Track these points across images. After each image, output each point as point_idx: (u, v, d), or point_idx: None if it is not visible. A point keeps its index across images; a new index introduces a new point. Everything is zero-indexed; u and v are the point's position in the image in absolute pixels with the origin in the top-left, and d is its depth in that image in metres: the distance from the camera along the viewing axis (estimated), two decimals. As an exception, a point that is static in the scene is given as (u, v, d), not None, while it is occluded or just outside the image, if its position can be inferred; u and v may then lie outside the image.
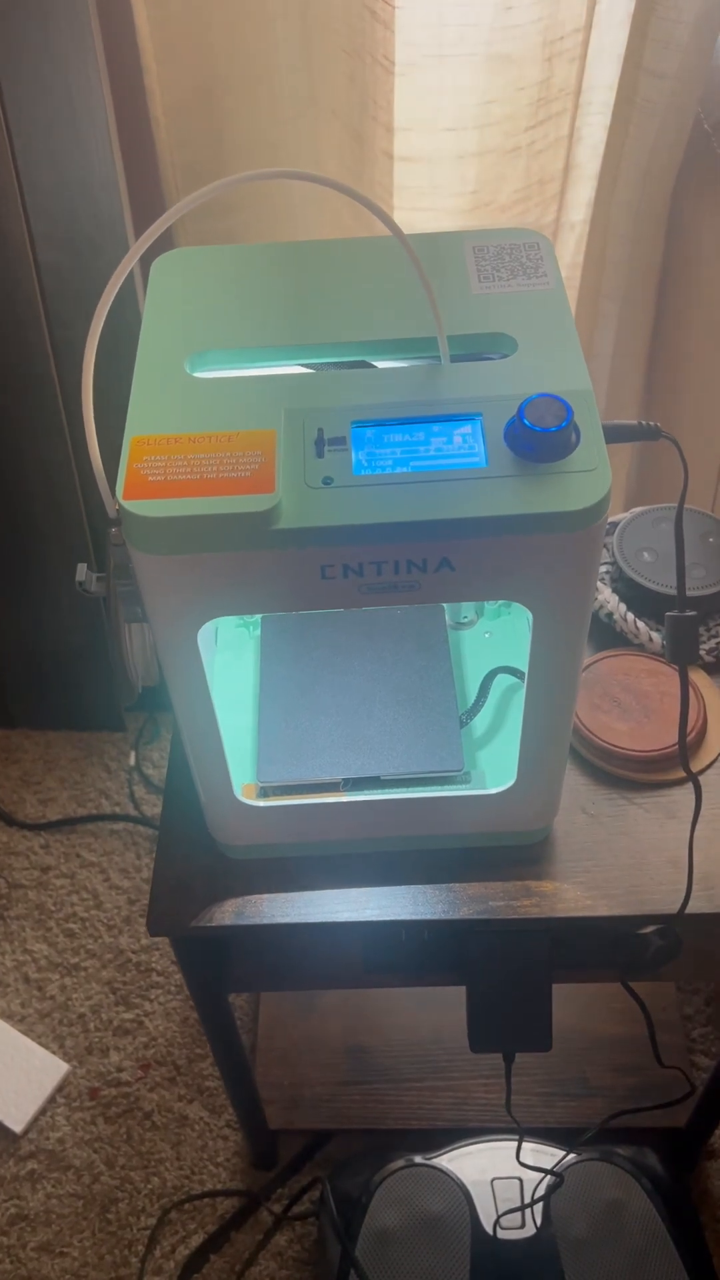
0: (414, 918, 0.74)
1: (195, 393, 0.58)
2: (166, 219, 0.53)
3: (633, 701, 0.81)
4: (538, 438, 0.54)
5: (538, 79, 0.99)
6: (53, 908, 1.34)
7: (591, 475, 0.54)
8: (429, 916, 0.74)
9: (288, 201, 1.12)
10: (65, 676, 1.47)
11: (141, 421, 0.57)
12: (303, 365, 0.61)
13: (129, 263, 0.54)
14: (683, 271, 1.12)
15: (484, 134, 1.01)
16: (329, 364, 0.61)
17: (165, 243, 1.12)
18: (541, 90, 1.00)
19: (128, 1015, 1.25)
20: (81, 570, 0.65)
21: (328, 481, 0.54)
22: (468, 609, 0.84)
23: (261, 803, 0.73)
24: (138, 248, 0.53)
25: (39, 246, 1.08)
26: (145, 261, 1.14)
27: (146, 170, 1.09)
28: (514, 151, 1.03)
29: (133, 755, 1.48)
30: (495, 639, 0.83)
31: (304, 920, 0.74)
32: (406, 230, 0.58)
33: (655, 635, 0.84)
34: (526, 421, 0.54)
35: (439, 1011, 1.18)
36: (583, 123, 1.07)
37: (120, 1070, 1.21)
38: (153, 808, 1.43)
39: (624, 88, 1.02)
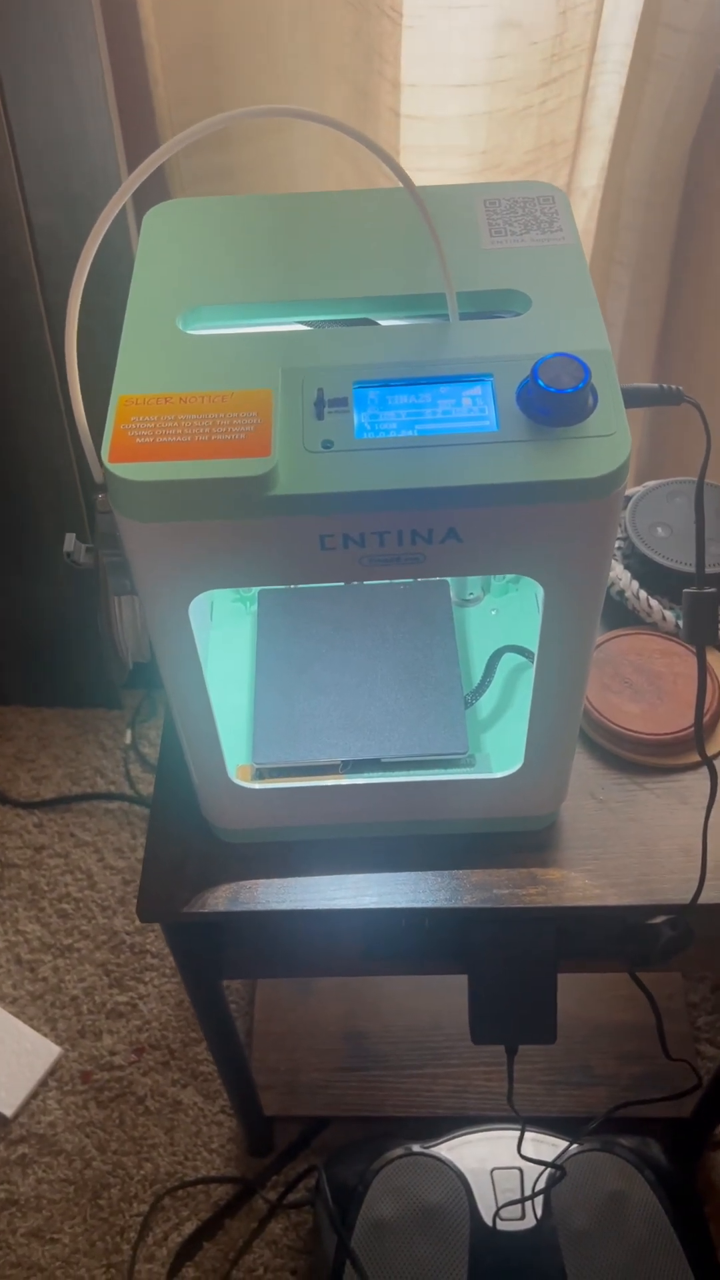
0: (415, 905, 0.71)
1: (187, 350, 0.55)
2: (160, 155, 0.50)
3: (645, 683, 0.78)
4: (553, 399, 0.51)
5: (551, 34, 0.95)
6: (46, 888, 1.32)
7: (610, 440, 0.51)
8: (430, 905, 0.71)
9: (288, 161, 1.08)
10: (60, 652, 1.44)
11: (130, 380, 0.53)
12: (302, 322, 0.58)
13: (120, 198, 0.50)
14: (699, 237, 1.08)
15: (494, 91, 0.97)
16: (330, 321, 0.58)
17: (162, 199, 1.09)
18: (554, 46, 0.96)
19: (121, 998, 1.23)
20: (69, 540, 0.62)
21: (328, 445, 0.51)
22: (474, 585, 0.81)
23: (257, 785, 0.70)
24: (129, 183, 0.50)
25: (32, 207, 1.05)
26: (141, 215, 1.10)
27: (144, 129, 1.05)
28: (525, 111, 0.99)
29: (129, 733, 1.46)
30: (502, 616, 0.80)
31: (301, 907, 0.71)
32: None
33: (669, 614, 0.81)
34: (541, 382, 0.51)
35: (439, 997, 1.15)
36: (597, 81, 1.03)
37: (113, 1054, 1.19)
38: (148, 787, 1.41)
39: (641, 44, 0.99)
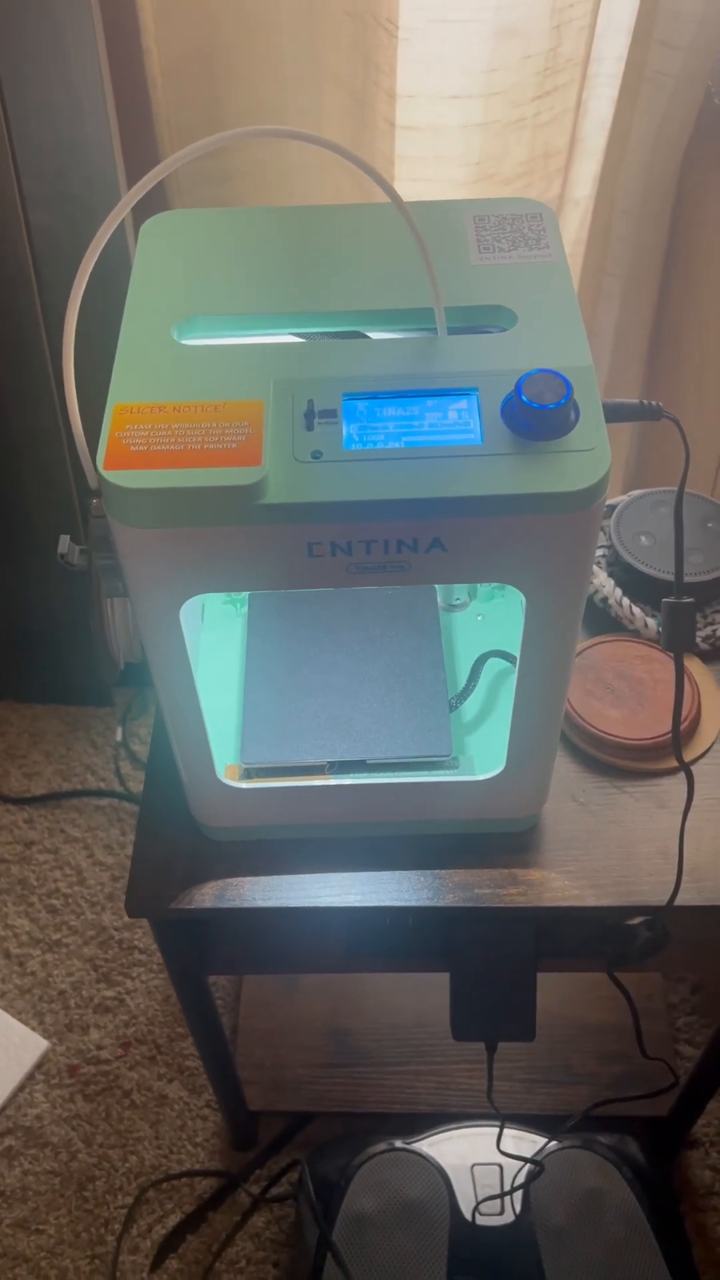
0: (399, 904, 0.72)
1: (182, 360, 0.56)
2: (159, 172, 0.51)
3: (626, 688, 0.79)
4: (535, 414, 0.52)
5: (545, 48, 0.97)
6: (35, 883, 1.33)
7: (590, 455, 0.52)
8: (414, 903, 0.72)
9: (284, 170, 1.09)
10: (52, 650, 1.45)
11: (125, 388, 0.55)
12: (294, 334, 0.59)
13: (118, 215, 0.51)
14: (689, 250, 1.10)
15: (488, 103, 0.98)
16: (321, 333, 0.59)
17: (159, 202, 1.10)
18: (548, 60, 0.98)
19: (109, 993, 1.24)
20: (64, 542, 0.63)
21: (317, 455, 0.53)
22: (460, 591, 0.82)
23: (245, 784, 0.71)
24: (127, 200, 0.51)
25: (30, 208, 1.06)
26: (139, 225, 1.11)
27: (143, 133, 1.06)
28: (519, 123, 1.01)
29: (119, 731, 1.47)
30: (488, 622, 0.81)
31: (286, 904, 0.73)
32: (407, 200, 0.56)
33: (650, 621, 0.83)
34: (524, 398, 0.52)
35: (422, 995, 1.17)
36: (590, 94, 1.05)
37: (100, 1048, 1.20)
38: (138, 784, 1.42)
39: (633, 59, 1.00)
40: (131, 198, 0.51)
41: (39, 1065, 1.19)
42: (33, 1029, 1.21)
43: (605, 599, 0.84)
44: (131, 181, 1.09)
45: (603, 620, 0.85)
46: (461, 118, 0.99)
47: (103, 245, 0.52)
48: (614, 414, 0.56)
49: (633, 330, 1.16)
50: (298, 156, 1.09)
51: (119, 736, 1.46)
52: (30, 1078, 1.19)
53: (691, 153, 1.04)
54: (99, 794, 1.41)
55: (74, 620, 1.41)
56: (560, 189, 1.10)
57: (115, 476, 0.51)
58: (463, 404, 0.54)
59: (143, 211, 1.10)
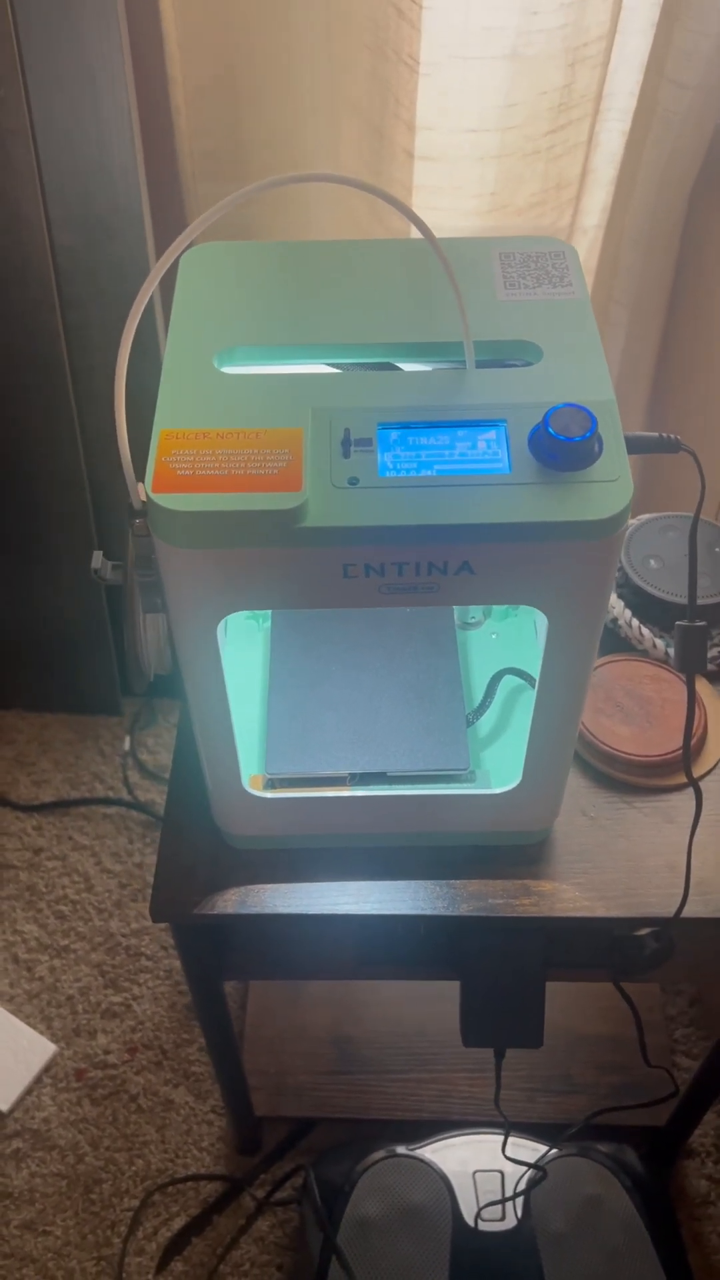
0: (415, 912, 0.75)
1: (224, 388, 0.59)
2: (192, 230, 0.54)
3: (636, 707, 0.82)
4: (562, 446, 0.55)
5: (560, 84, 1.00)
6: (44, 889, 1.35)
7: (614, 485, 0.55)
8: (429, 912, 0.75)
9: (302, 192, 1.12)
10: (63, 659, 1.47)
11: (170, 415, 0.57)
12: (330, 364, 0.62)
13: (151, 282, 0.54)
14: (696, 281, 1.13)
15: (505, 136, 1.01)
16: (355, 364, 0.62)
17: (179, 225, 1.13)
18: (563, 95, 1.01)
19: (116, 998, 1.26)
20: (97, 558, 0.66)
21: (353, 482, 0.55)
22: (476, 610, 0.85)
23: (268, 794, 0.73)
24: (161, 264, 0.54)
25: (55, 229, 1.08)
26: (160, 240, 1.14)
27: (166, 158, 1.09)
28: (533, 155, 1.04)
29: (128, 740, 1.49)
30: (502, 640, 0.84)
31: (305, 911, 0.75)
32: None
33: (659, 642, 0.85)
34: (551, 430, 0.55)
35: (425, 1004, 1.19)
36: (601, 128, 1.08)
37: (107, 1053, 1.22)
38: (146, 793, 1.44)
39: (645, 96, 1.03)
40: (162, 265, 0.53)
41: (47, 1069, 1.21)
42: (41, 1033, 1.23)
43: (616, 620, 0.87)
44: (154, 204, 1.12)
45: (613, 640, 0.87)
46: (478, 149, 1.02)
47: (143, 308, 0.54)
48: (635, 446, 0.58)
49: (639, 357, 1.19)
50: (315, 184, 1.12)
51: (127, 745, 1.48)
52: (38, 1081, 1.20)
53: (699, 188, 1.07)
54: (107, 802, 1.43)
55: (84, 630, 1.43)
56: (571, 218, 1.13)
57: (163, 499, 0.54)
58: (491, 434, 0.57)
59: (163, 226, 1.13)
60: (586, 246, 1.17)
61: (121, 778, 1.45)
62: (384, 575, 0.57)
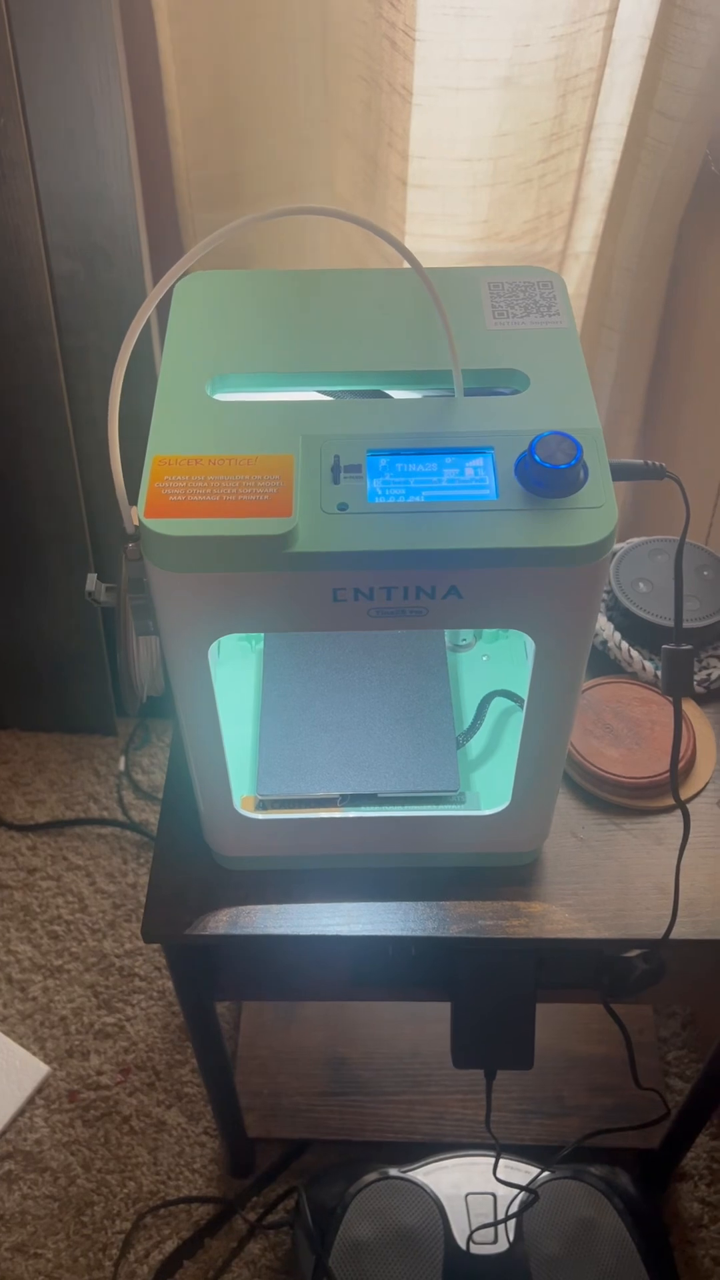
0: (405, 933, 0.75)
1: (215, 415, 0.60)
2: (187, 260, 0.55)
3: (624, 729, 0.83)
4: (548, 474, 0.56)
5: (552, 113, 1.01)
6: (38, 909, 1.35)
7: (598, 512, 0.56)
8: (419, 933, 0.75)
9: (299, 219, 1.14)
10: (58, 679, 1.48)
11: (163, 441, 0.58)
12: (321, 391, 0.63)
13: (147, 308, 0.55)
14: (686, 307, 1.15)
15: (497, 165, 1.03)
16: (345, 392, 0.63)
17: (176, 252, 1.15)
18: (555, 125, 1.03)
19: (109, 1019, 1.26)
20: (91, 580, 0.66)
21: (343, 507, 0.56)
22: (467, 633, 0.85)
23: (260, 815, 0.74)
24: (156, 292, 0.55)
25: (53, 255, 1.10)
26: (156, 264, 1.15)
27: (163, 186, 1.11)
28: (525, 184, 1.05)
29: (122, 760, 1.49)
30: (492, 663, 0.85)
31: (296, 932, 0.75)
32: (417, 256, 0.60)
33: (648, 664, 0.86)
34: (537, 458, 0.56)
35: (418, 1026, 1.19)
36: (592, 157, 1.10)
37: (100, 1074, 1.22)
38: (141, 813, 1.44)
39: (635, 127, 1.05)
40: (157, 293, 0.54)
41: (39, 1090, 1.21)
42: (34, 1054, 1.23)
43: (605, 642, 0.87)
44: (151, 231, 1.13)
45: (602, 662, 0.88)
46: (471, 178, 1.04)
47: (134, 340, 0.55)
48: (621, 473, 0.59)
49: (630, 382, 1.20)
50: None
51: (122, 766, 1.49)
52: (30, 1102, 1.20)
53: (689, 216, 1.09)
54: (101, 822, 1.43)
55: (79, 650, 1.44)
56: (563, 245, 1.14)
57: (155, 524, 0.55)
58: (479, 462, 0.58)
59: (160, 251, 1.15)
60: (578, 272, 1.19)
61: (116, 798, 1.46)
62: (373, 599, 0.57)
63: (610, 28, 0.98)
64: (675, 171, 1.05)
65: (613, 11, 0.97)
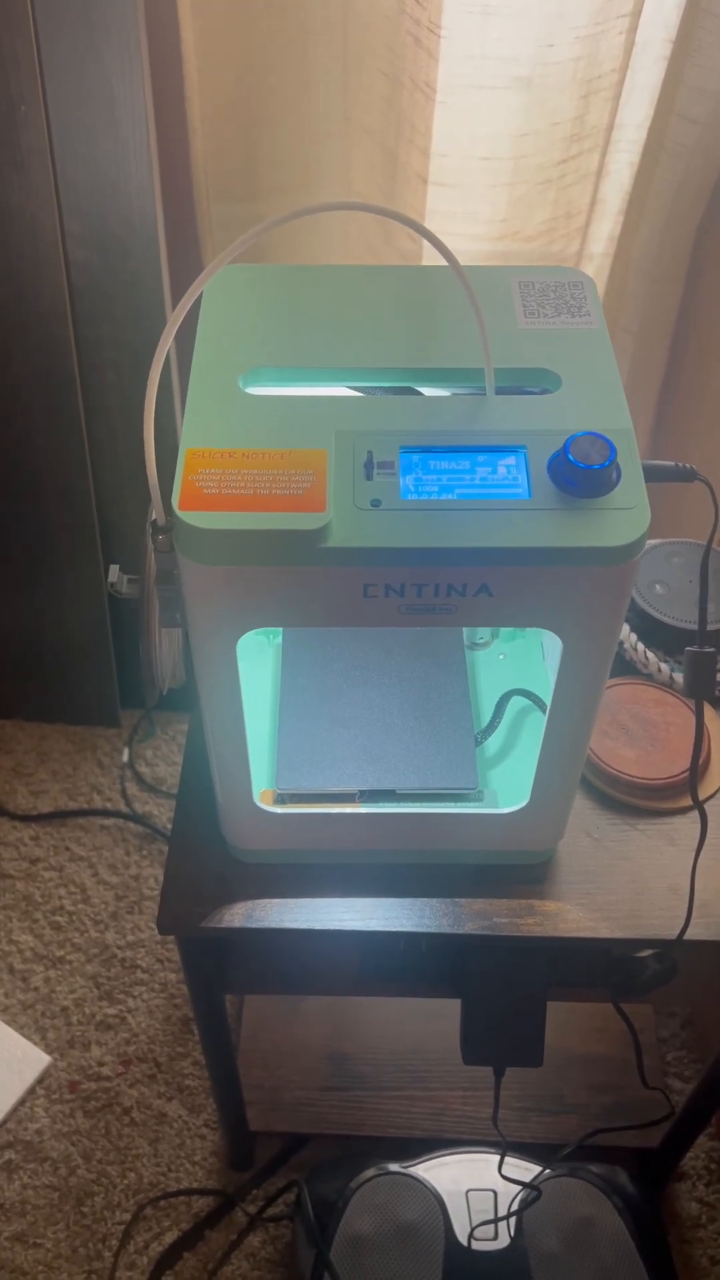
0: (420, 929, 0.75)
1: (248, 409, 0.60)
2: (222, 259, 0.55)
3: (640, 730, 0.83)
4: (582, 474, 0.56)
5: (573, 114, 1.02)
6: (40, 900, 1.35)
7: (631, 513, 0.56)
8: (434, 930, 0.75)
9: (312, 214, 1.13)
10: (63, 670, 1.47)
11: (197, 434, 0.58)
12: (352, 387, 0.63)
13: (173, 325, 0.55)
14: (701, 311, 1.15)
15: (517, 165, 1.03)
16: (377, 388, 0.63)
17: (194, 249, 1.14)
18: (575, 125, 1.03)
19: (111, 1010, 1.26)
20: (114, 572, 0.66)
21: (376, 504, 0.56)
22: (484, 631, 0.86)
23: (278, 809, 0.74)
24: (180, 310, 0.54)
25: (70, 244, 1.09)
26: (175, 283, 1.14)
27: (181, 176, 1.11)
28: (544, 184, 1.05)
29: (126, 752, 1.49)
30: (509, 661, 0.85)
31: (311, 926, 0.76)
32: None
33: (664, 666, 0.86)
34: (571, 457, 0.56)
35: (421, 1022, 1.19)
36: (611, 159, 1.10)
37: (101, 1065, 1.22)
38: (144, 805, 1.44)
39: (655, 129, 1.05)
40: (183, 307, 0.54)
41: (40, 1080, 1.21)
42: (35, 1044, 1.23)
43: (622, 643, 0.88)
44: (169, 222, 1.13)
45: (618, 664, 0.88)
46: (491, 177, 1.04)
47: (164, 356, 0.55)
48: (652, 475, 0.59)
49: (644, 384, 1.21)
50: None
51: (125, 757, 1.49)
52: (31, 1092, 1.20)
53: (707, 220, 1.09)
54: (105, 813, 1.43)
55: (84, 641, 1.43)
56: (580, 246, 1.14)
57: (190, 517, 0.55)
58: (511, 460, 0.58)
59: (178, 251, 1.14)
60: (593, 274, 1.19)
61: (119, 789, 1.45)
62: (404, 596, 0.57)
63: (633, 29, 0.98)
64: (694, 175, 1.05)
65: (636, 13, 0.97)
